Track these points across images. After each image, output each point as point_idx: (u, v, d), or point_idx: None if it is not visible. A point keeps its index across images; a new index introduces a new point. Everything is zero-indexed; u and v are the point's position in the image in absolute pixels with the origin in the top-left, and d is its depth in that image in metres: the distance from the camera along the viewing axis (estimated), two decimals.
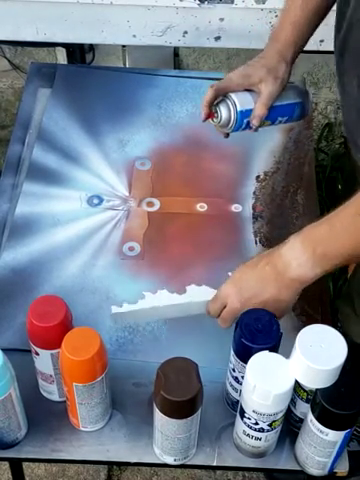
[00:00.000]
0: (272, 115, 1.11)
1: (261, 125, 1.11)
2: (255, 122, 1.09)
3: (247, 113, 1.09)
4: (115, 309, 1.01)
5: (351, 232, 0.87)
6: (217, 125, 1.12)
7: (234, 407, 0.97)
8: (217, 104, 1.10)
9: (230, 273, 1.00)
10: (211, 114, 1.11)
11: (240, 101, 1.09)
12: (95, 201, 1.26)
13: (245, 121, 1.10)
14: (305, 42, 1.14)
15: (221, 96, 1.10)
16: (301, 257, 0.90)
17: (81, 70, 1.55)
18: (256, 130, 1.10)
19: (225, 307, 0.99)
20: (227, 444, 0.98)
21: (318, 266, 0.90)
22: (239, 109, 1.09)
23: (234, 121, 1.10)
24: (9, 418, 0.92)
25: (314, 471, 0.95)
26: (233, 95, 1.10)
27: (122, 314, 1.01)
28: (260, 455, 0.96)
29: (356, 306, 1.26)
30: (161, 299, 1.05)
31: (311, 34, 1.14)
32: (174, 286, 1.10)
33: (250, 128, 1.10)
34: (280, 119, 1.14)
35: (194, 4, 1.51)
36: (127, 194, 1.27)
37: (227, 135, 1.14)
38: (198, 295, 1.05)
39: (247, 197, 1.28)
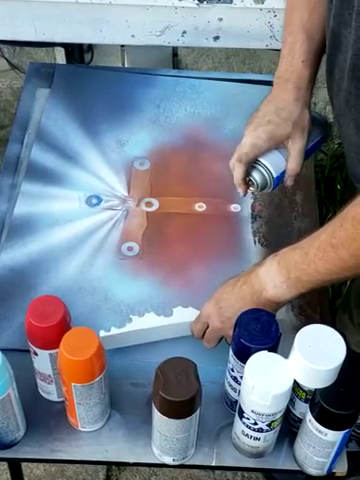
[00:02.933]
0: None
1: None
2: (290, 182, 1.08)
3: (282, 175, 1.07)
4: (103, 333, 1.01)
5: (324, 260, 0.87)
6: (255, 191, 1.10)
7: (233, 407, 0.97)
8: (250, 172, 1.07)
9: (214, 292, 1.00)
10: (247, 185, 1.08)
11: (273, 166, 1.06)
12: (94, 201, 1.26)
13: (281, 182, 1.08)
14: (318, 69, 1.10)
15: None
16: (276, 279, 0.91)
17: (80, 70, 1.55)
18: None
19: (208, 327, 1.00)
20: (226, 444, 0.98)
21: (294, 288, 0.91)
22: (274, 175, 1.06)
23: (270, 186, 1.08)
24: (8, 418, 0.92)
25: (313, 471, 0.95)
26: (264, 160, 1.06)
27: (110, 338, 1.02)
28: (259, 455, 0.96)
29: (354, 316, 1.26)
30: (148, 322, 1.06)
31: (319, 66, 1.10)
32: (162, 305, 1.09)
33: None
34: (307, 158, 1.12)
35: (193, 4, 1.51)
36: (126, 194, 1.27)
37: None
38: (185, 317, 1.05)
39: (246, 197, 1.27)
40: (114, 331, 1.04)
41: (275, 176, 1.07)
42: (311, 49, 1.06)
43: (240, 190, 1.08)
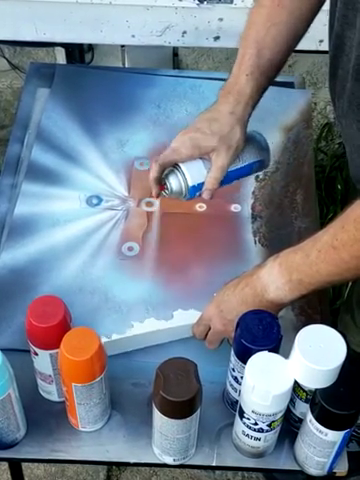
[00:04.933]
0: (227, 180, 1.06)
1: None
2: (205, 196, 1.05)
3: (199, 187, 1.04)
4: (104, 339, 1.01)
5: (326, 262, 0.87)
6: (167, 196, 1.06)
7: (233, 407, 0.97)
8: (166, 175, 1.04)
9: (215, 294, 1.00)
10: (161, 187, 1.05)
11: (191, 175, 1.03)
12: (94, 201, 1.26)
13: (197, 194, 1.05)
14: (265, 90, 1.07)
15: (171, 166, 1.04)
16: (278, 281, 0.91)
17: (80, 70, 1.55)
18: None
19: (210, 329, 1.00)
20: (226, 444, 0.98)
21: (296, 290, 0.91)
22: (190, 184, 1.03)
23: (186, 194, 1.05)
24: (8, 418, 0.92)
25: (313, 471, 0.95)
26: (183, 167, 1.03)
27: (111, 343, 1.01)
28: (259, 455, 0.96)
29: (356, 316, 1.26)
30: (149, 327, 1.06)
31: (269, 83, 1.07)
32: (162, 308, 1.09)
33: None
34: (236, 180, 1.09)
35: (193, 4, 1.51)
36: (126, 194, 1.27)
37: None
38: (185, 320, 1.05)
39: (246, 197, 1.28)
40: (115, 337, 1.04)
41: (190, 185, 1.04)
42: (259, 65, 1.05)
43: (153, 191, 1.06)
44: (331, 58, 1.00)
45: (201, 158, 1.04)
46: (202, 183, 1.05)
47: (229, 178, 1.06)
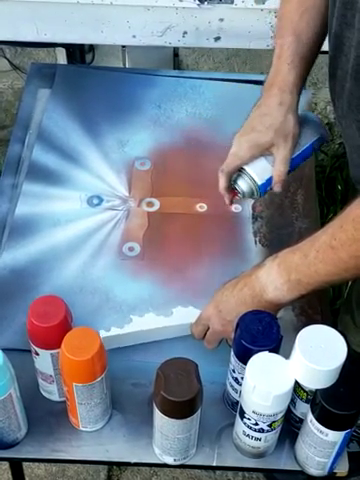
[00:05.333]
0: (293, 167, 1.07)
1: None
2: (277, 189, 1.06)
3: (268, 182, 1.06)
4: (103, 333, 1.01)
5: (325, 262, 0.87)
6: (241, 199, 1.10)
7: (234, 407, 0.97)
8: (234, 181, 1.07)
9: (214, 293, 1.01)
10: (233, 193, 1.08)
11: (257, 174, 1.05)
12: (95, 201, 1.26)
13: (268, 188, 1.07)
14: (306, 76, 1.08)
15: (236, 172, 1.06)
16: (277, 281, 0.91)
17: (81, 70, 1.55)
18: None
19: (209, 328, 1.00)
20: (227, 444, 0.98)
21: (294, 290, 0.91)
22: (259, 183, 1.06)
23: (257, 193, 1.07)
24: (9, 418, 0.92)
25: (314, 471, 0.95)
26: (248, 169, 1.05)
27: (110, 338, 1.02)
28: (260, 455, 0.96)
29: (355, 316, 1.26)
30: (148, 322, 1.06)
31: (310, 68, 1.08)
32: (162, 305, 1.09)
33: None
34: (302, 163, 1.11)
35: (194, 4, 1.51)
36: (127, 194, 1.27)
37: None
38: (184, 317, 1.06)
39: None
40: (114, 331, 1.04)
41: (259, 184, 1.05)
42: (299, 51, 1.05)
43: (225, 199, 1.09)
44: (330, 58, 1.00)
45: (263, 155, 1.05)
46: (270, 178, 1.06)
47: (294, 164, 1.08)
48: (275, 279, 0.91)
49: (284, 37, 1.06)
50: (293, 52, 1.05)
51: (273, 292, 0.92)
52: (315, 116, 1.13)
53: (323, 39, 1.08)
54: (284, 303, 0.94)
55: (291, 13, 1.06)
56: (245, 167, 1.06)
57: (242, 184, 1.07)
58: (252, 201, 1.27)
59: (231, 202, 1.10)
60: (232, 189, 1.08)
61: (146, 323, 1.06)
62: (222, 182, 1.07)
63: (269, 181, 1.06)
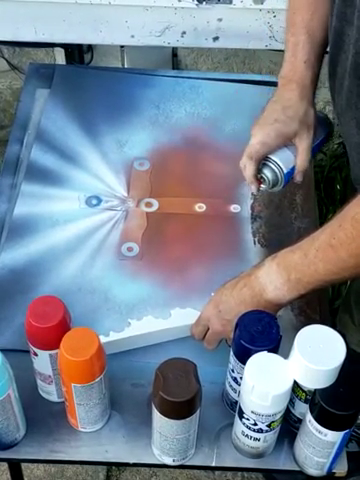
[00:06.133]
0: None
1: None
2: (299, 178, 1.09)
3: (292, 171, 1.09)
4: (102, 338, 1.01)
5: (324, 261, 0.87)
6: (266, 189, 1.10)
7: (233, 408, 0.97)
8: (260, 170, 1.08)
9: (213, 293, 1.01)
10: (259, 181, 1.09)
11: (283, 162, 1.07)
12: (94, 201, 1.26)
13: (290, 178, 1.10)
14: (320, 69, 1.11)
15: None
16: (277, 281, 0.91)
17: (79, 70, 1.55)
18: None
19: (209, 329, 1.00)
20: (226, 444, 0.98)
21: (294, 290, 0.91)
22: (285, 171, 1.08)
23: (281, 182, 1.09)
24: (8, 419, 0.92)
25: (313, 471, 0.95)
26: (275, 158, 1.07)
27: (109, 343, 1.01)
28: (259, 455, 0.96)
29: (354, 315, 1.26)
30: (147, 326, 1.06)
31: (321, 66, 1.11)
32: (161, 306, 1.10)
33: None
34: (313, 156, 1.13)
35: (192, 4, 1.51)
36: (126, 194, 1.27)
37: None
38: (183, 318, 1.06)
39: (245, 197, 1.28)
40: (113, 336, 1.04)
41: (285, 172, 1.08)
42: (313, 50, 1.07)
43: (253, 187, 1.09)
44: (330, 56, 1.01)
45: (285, 145, 1.08)
46: (293, 167, 1.08)
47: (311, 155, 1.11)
48: (275, 279, 0.91)
49: (296, 35, 1.08)
50: (308, 51, 1.07)
51: (273, 292, 0.92)
52: (324, 114, 1.18)
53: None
54: (284, 303, 0.94)
55: (303, 10, 1.08)
56: (271, 156, 1.07)
57: (268, 173, 1.08)
58: (251, 201, 1.27)
59: (258, 190, 1.10)
60: (259, 179, 1.09)
61: (145, 326, 1.06)
62: (251, 169, 1.06)
63: (292, 170, 1.09)
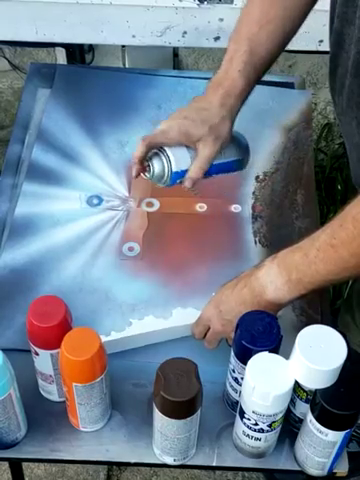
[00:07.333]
0: (208, 173, 1.04)
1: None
2: (188, 184, 1.04)
3: (182, 174, 1.02)
4: (103, 338, 1.01)
5: (325, 261, 0.87)
6: (148, 179, 1.04)
7: (234, 407, 0.97)
8: (150, 157, 1.02)
9: (214, 293, 1.01)
10: (143, 167, 1.03)
11: (176, 160, 1.01)
12: (95, 201, 1.26)
13: (178, 181, 1.04)
14: (254, 86, 1.07)
15: (155, 149, 1.02)
16: (277, 281, 0.91)
17: (81, 70, 1.55)
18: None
19: (209, 329, 1.00)
20: (227, 444, 0.98)
21: (295, 290, 0.91)
22: (174, 170, 1.01)
23: (167, 179, 1.03)
24: (9, 418, 0.92)
25: (314, 471, 0.95)
26: (169, 151, 1.01)
27: (110, 343, 1.01)
28: (260, 455, 0.96)
29: (356, 316, 1.26)
30: (148, 325, 1.06)
31: (259, 79, 1.07)
32: (162, 305, 1.09)
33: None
34: (214, 175, 1.07)
35: (193, 4, 1.51)
36: (127, 194, 1.27)
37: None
38: (184, 318, 1.06)
39: (246, 197, 1.28)
40: (114, 336, 1.04)
41: (174, 171, 1.02)
42: (251, 62, 1.04)
43: (133, 170, 1.03)
44: (331, 55, 1.00)
45: (186, 147, 1.03)
46: (185, 171, 1.03)
47: (211, 171, 1.05)
48: (275, 279, 0.91)
49: (239, 44, 1.05)
50: (245, 61, 1.04)
51: (274, 292, 0.92)
52: (246, 141, 1.09)
53: (279, 53, 1.08)
54: (284, 303, 0.94)
55: (252, 21, 1.06)
56: (166, 149, 1.02)
57: (157, 164, 1.02)
58: (252, 201, 1.27)
59: (137, 175, 1.04)
60: (143, 165, 1.03)
61: (146, 326, 1.06)
62: (139, 152, 1.01)
63: (182, 173, 1.03)
